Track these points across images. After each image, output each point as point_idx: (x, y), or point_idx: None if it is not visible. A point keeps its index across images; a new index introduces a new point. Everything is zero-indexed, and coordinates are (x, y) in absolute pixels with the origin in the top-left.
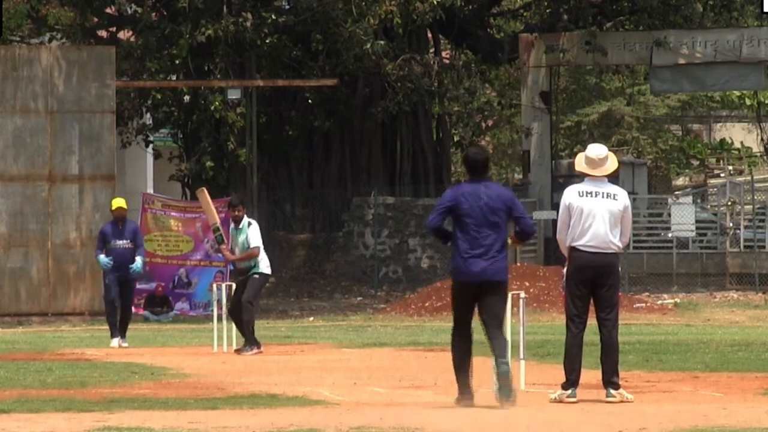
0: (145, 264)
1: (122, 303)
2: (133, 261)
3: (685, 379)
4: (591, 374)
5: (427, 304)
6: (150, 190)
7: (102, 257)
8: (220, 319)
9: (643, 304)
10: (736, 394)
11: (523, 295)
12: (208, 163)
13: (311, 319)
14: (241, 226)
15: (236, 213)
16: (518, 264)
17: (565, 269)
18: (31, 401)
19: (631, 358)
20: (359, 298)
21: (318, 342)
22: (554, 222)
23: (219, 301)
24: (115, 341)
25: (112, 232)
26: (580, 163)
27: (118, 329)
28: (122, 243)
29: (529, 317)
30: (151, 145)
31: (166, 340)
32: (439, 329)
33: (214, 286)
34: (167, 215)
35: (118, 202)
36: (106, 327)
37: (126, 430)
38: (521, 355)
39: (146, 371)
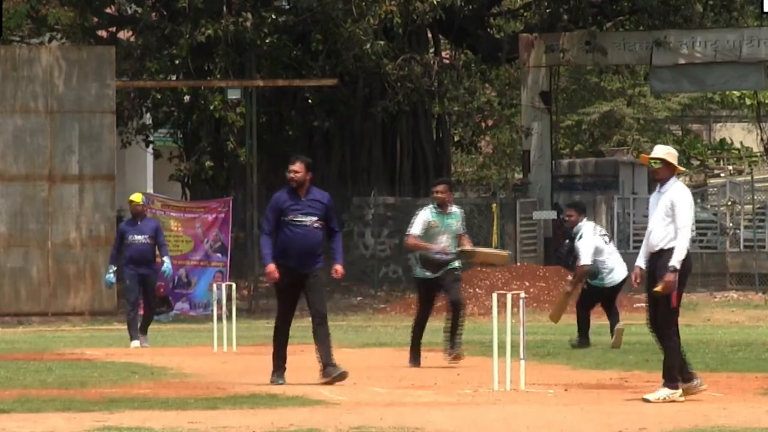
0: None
1: (145, 303)
2: (152, 257)
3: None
4: (591, 374)
5: None
6: (150, 190)
7: (108, 275)
8: (220, 319)
9: (643, 304)
10: (736, 394)
11: (523, 295)
12: (208, 163)
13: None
14: (449, 211)
15: (439, 194)
16: (518, 264)
17: (678, 269)
18: (31, 401)
19: (631, 358)
20: (359, 298)
21: None
22: (554, 222)
23: (219, 301)
24: (136, 342)
25: (130, 229)
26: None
27: (140, 328)
28: (140, 238)
29: (529, 317)
30: (151, 145)
31: (166, 340)
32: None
33: (214, 286)
34: (167, 215)
35: (132, 197)
36: (106, 327)
37: (126, 430)
38: (521, 355)
39: (146, 371)
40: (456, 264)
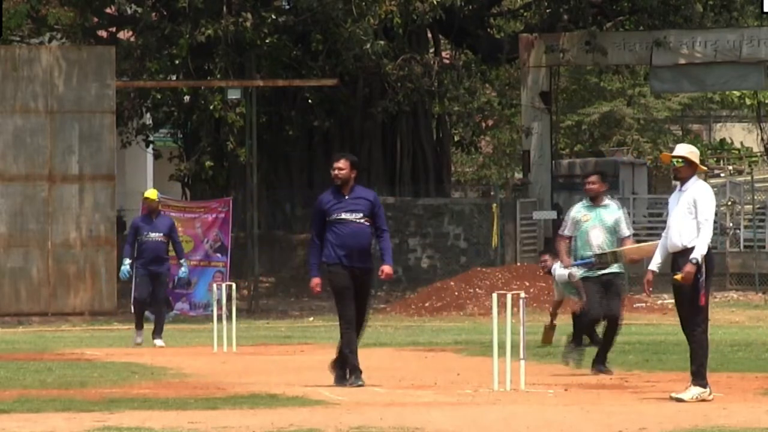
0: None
1: (154, 300)
2: (165, 254)
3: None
4: (591, 374)
5: (427, 304)
6: None
7: (124, 266)
8: (220, 319)
9: (643, 304)
10: (736, 394)
11: (523, 295)
12: (208, 163)
13: (311, 319)
14: (603, 203)
15: (592, 185)
16: (518, 264)
17: (705, 270)
18: (31, 401)
19: (631, 358)
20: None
21: (318, 342)
22: (554, 222)
23: (219, 301)
24: (138, 339)
25: (144, 225)
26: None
27: (154, 329)
28: (154, 236)
29: (529, 317)
30: (151, 145)
31: (166, 340)
32: (439, 329)
33: (214, 286)
34: (167, 215)
35: (148, 193)
36: (106, 327)
37: (126, 430)
38: (521, 355)
39: (146, 371)
40: (618, 269)
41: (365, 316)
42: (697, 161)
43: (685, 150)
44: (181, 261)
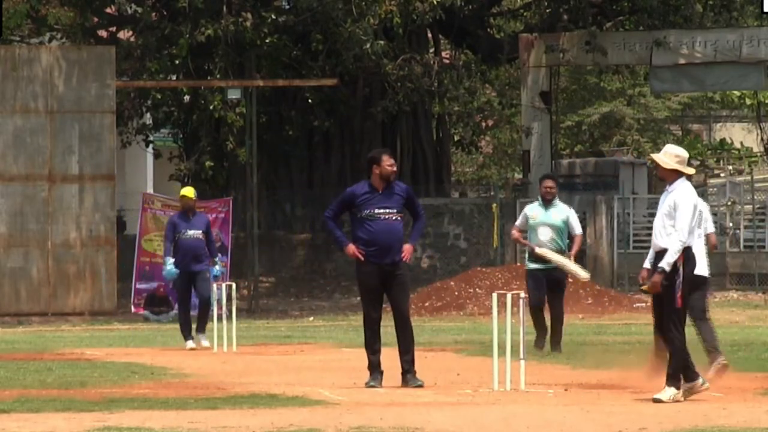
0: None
1: (199, 296)
2: (204, 252)
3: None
4: (591, 374)
5: (427, 304)
6: (150, 190)
7: (169, 266)
8: (220, 319)
9: (643, 304)
10: (736, 394)
11: (522, 295)
12: (208, 163)
13: (311, 319)
14: (554, 204)
15: (548, 188)
16: (518, 264)
17: (682, 272)
18: (31, 401)
19: (632, 358)
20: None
21: (318, 342)
22: None
23: (219, 301)
24: (190, 343)
25: (181, 222)
26: (682, 163)
27: (197, 325)
28: (193, 233)
29: (529, 317)
30: (151, 145)
31: (166, 340)
32: (438, 329)
33: (214, 286)
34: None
35: (184, 191)
36: (106, 327)
37: (126, 430)
38: (521, 355)
39: (146, 371)
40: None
41: (406, 315)
42: (674, 166)
43: (661, 153)
44: (215, 260)
